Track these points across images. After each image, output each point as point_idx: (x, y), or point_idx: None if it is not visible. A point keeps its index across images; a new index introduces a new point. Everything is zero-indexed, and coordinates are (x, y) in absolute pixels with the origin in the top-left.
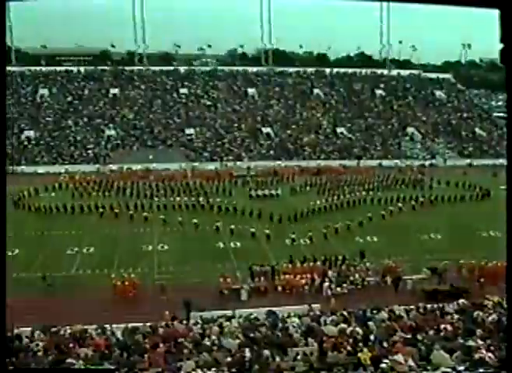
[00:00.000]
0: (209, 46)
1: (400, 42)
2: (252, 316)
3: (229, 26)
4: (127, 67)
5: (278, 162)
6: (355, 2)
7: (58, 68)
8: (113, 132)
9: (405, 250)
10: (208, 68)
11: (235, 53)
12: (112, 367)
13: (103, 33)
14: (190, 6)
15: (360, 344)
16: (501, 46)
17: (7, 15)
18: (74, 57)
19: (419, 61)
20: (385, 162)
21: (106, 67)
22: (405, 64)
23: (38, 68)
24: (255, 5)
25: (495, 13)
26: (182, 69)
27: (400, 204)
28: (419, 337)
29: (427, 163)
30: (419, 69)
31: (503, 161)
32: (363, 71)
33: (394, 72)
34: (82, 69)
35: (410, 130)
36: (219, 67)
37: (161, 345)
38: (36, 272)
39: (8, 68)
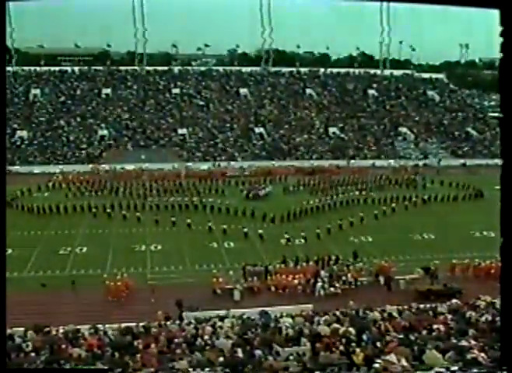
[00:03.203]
0: (206, 45)
1: (400, 42)
2: (245, 316)
3: (230, 25)
4: (121, 67)
5: (271, 162)
6: (355, 2)
7: (52, 68)
8: (106, 132)
9: (398, 250)
10: (202, 68)
11: (235, 53)
12: (106, 368)
13: (104, 33)
14: (191, 6)
15: (353, 344)
16: (501, 45)
17: (7, 15)
18: (74, 58)
19: (419, 61)
20: (378, 162)
21: (100, 67)
22: (406, 64)
23: (32, 68)
24: (256, 4)
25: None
26: (176, 69)
27: (393, 204)
28: (412, 337)
29: (420, 163)
30: (418, 69)
31: (496, 161)
32: (356, 71)
33: (387, 72)
34: (75, 69)
35: (403, 130)
36: (214, 67)
37: (154, 345)
38: (30, 272)
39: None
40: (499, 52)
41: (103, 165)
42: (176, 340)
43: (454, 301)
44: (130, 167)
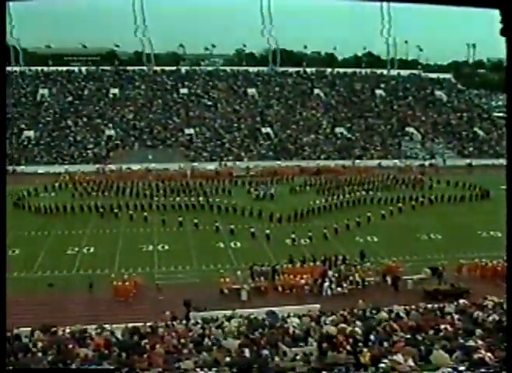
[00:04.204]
0: (213, 46)
1: (406, 42)
2: (252, 316)
3: (237, 25)
4: (128, 68)
5: (278, 162)
6: (362, 2)
7: (59, 68)
8: (112, 132)
9: (406, 250)
10: (209, 68)
11: (242, 53)
12: (112, 367)
13: (112, 33)
14: (197, 6)
15: (360, 344)
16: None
17: (15, 15)
18: (81, 57)
19: (426, 61)
20: (385, 162)
21: (107, 68)
22: (413, 64)
23: (39, 68)
24: (264, 4)
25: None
26: (183, 69)
27: (400, 204)
28: (419, 337)
29: (427, 163)
30: (426, 69)
31: (502, 161)
32: (363, 71)
33: (395, 72)
34: (83, 69)
35: (410, 130)
36: (221, 67)
37: (160, 345)
38: (37, 272)
39: (9, 68)
40: (506, 51)
41: (110, 165)
42: (183, 340)
43: (461, 301)
44: (137, 167)
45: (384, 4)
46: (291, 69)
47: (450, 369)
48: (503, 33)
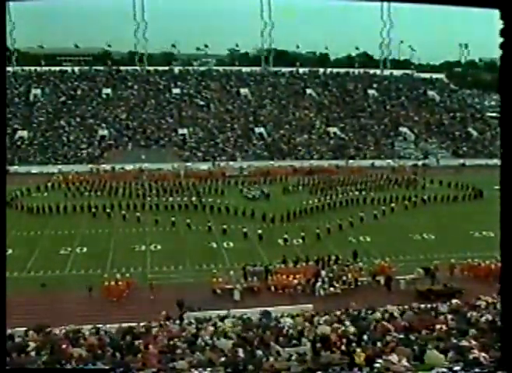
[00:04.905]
0: (206, 46)
1: (402, 42)
2: (246, 316)
3: (230, 25)
4: (121, 68)
5: (271, 162)
6: (356, 2)
7: (52, 68)
8: (106, 132)
9: (398, 250)
10: (202, 68)
11: (235, 53)
12: (107, 368)
13: (104, 33)
14: (191, 6)
15: (354, 344)
16: (500, 47)
17: (8, 15)
18: (74, 57)
19: (419, 61)
20: (378, 162)
21: (100, 68)
22: (406, 64)
23: (32, 68)
24: (257, 4)
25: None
26: (176, 69)
27: (393, 204)
28: (413, 337)
29: (420, 163)
30: (418, 69)
31: (496, 161)
32: (356, 70)
33: (387, 72)
34: (75, 69)
35: (403, 130)
36: (214, 67)
37: (154, 345)
38: (30, 272)
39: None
40: (499, 51)
41: (103, 165)
42: (176, 340)
43: (454, 301)
44: (130, 167)
45: (383, 4)
46: (284, 69)
47: (445, 369)
48: (502, 33)
